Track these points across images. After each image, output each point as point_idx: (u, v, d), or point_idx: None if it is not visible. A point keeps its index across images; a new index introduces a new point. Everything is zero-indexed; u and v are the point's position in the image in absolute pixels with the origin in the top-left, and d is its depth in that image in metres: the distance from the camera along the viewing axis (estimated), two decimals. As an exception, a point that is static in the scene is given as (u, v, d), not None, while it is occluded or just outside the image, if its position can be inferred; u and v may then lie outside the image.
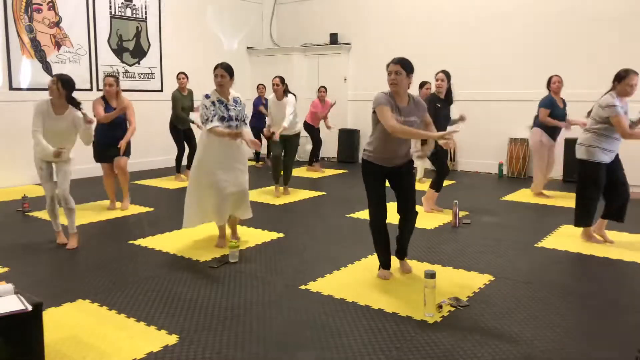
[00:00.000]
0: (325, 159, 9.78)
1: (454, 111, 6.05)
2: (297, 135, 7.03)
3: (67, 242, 4.66)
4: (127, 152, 6.04)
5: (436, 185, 5.88)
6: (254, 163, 9.69)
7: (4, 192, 7.08)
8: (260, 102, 9.57)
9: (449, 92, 5.76)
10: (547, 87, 6.56)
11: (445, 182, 7.90)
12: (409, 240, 4.03)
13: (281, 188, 7.00)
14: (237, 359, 2.76)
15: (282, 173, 7.00)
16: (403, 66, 3.62)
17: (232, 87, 4.53)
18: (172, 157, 8.10)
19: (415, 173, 3.93)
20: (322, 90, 8.92)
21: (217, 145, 4.42)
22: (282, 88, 6.77)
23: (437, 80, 5.74)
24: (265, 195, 6.90)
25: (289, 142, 6.93)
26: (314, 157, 9.15)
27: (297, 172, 8.77)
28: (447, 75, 5.73)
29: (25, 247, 4.67)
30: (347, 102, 10.30)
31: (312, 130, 8.97)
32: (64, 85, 4.47)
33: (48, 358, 2.65)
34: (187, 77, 7.84)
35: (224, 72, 4.41)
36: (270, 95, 7.00)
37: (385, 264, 3.97)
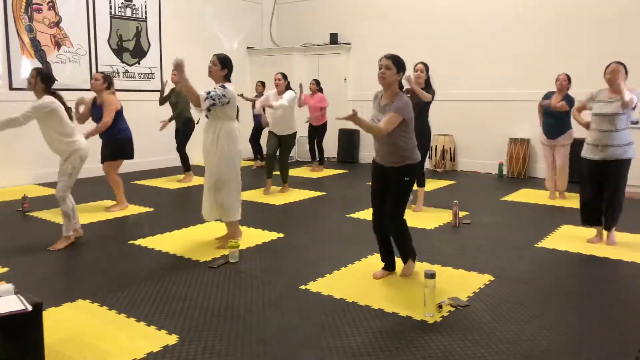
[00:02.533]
0: (325, 159, 9.77)
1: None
2: (293, 135, 7.03)
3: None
4: (108, 156, 6.01)
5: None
6: (252, 163, 9.68)
7: (4, 192, 7.08)
8: None
9: (427, 84, 5.69)
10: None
11: (445, 182, 7.93)
12: (401, 246, 3.88)
13: (274, 186, 7.00)
14: (237, 359, 2.76)
15: (279, 172, 7.04)
16: (394, 62, 3.63)
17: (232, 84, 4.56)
18: (172, 157, 8.11)
19: (408, 182, 3.74)
20: (312, 83, 9.00)
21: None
22: (284, 83, 6.86)
23: (416, 71, 5.70)
24: (265, 195, 6.90)
25: (284, 140, 6.98)
26: (313, 157, 9.18)
27: (297, 172, 8.78)
28: (426, 66, 5.71)
29: (25, 247, 4.67)
30: (347, 102, 10.30)
31: (311, 129, 8.99)
32: (43, 78, 4.54)
33: (48, 358, 2.65)
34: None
35: (215, 59, 4.48)
36: (271, 91, 7.01)
37: (383, 262, 3.98)
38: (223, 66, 4.47)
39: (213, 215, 4.69)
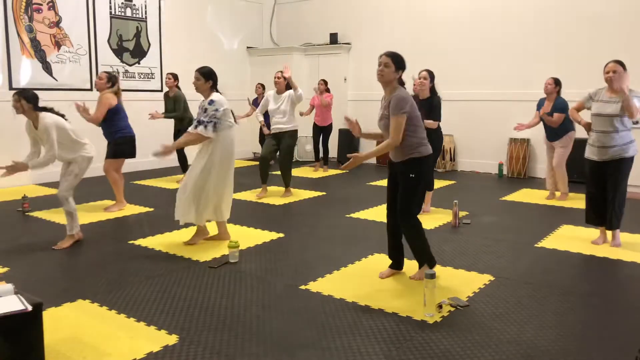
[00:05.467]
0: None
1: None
2: (292, 132, 6.78)
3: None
4: (108, 154, 6.02)
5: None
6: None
7: (4, 192, 7.08)
8: (256, 103, 9.47)
9: (432, 92, 5.63)
10: None
11: (445, 182, 7.93)
12: (414, 249, 3.82)
13: (276, 187, 6.97)
14: (237, 359, 2.76)
15: (280, 173, 6.97)
16: (393, 60, 3.61)
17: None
18: (171, 158, 8.05)
19: (414, 179, 3.68)
20: (321, 83, 8.96)
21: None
22: (284, 82, 6.71)
23: (420, 78, 5.57)
24: (259, 198, 6.89)
25: (283, 140, 6.72)
26: (317, 157, 9.16)
27: (298, 172, 8.78)
28: (431, 74, 5.63)
29: (25, 247, 4.67)
30: (347, 102, 10.31)
31: (317, 130, 8.99)
32: (27, 99, 4.42)
33: (48, 358, 2.65)
34: (174, 78, 7.65)
35: (197, 74, 4.50)
36: (270, 91, 6.91)
37: (390, 259, 3.97)
38: (207, 79, 4.50)
39: (186, 217, 4.63)
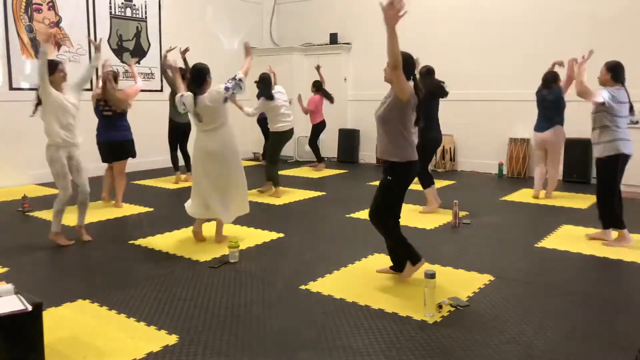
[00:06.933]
0: (326, 159, 9.76)
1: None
2: (272, 134, 6.99)
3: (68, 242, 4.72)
4: (129, 153, 6.10)
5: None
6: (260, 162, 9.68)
7: (4, 192, 7.08)
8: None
9: (438, 86, 5.68)
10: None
11: (445, 182, 7.92)
12: (394, 250, 3.86)
13: (275, 188, 7.01)
14: (237, 359, 2.76)
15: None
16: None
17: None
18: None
19: (389, 182, 3.66)
20: (312, 85, 9.09)
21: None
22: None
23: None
24: (265, 195, 6.89)
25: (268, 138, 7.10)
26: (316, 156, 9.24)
27: (297, 172, 8.78)
28: (429, 70, 5.70)
29: (25, 247, 4.67)
30: (347, 102, 10.30)
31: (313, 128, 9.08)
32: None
33: (48, 358, 2.65)
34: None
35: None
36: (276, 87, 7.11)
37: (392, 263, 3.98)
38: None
39: (209, 213, 4.72)
